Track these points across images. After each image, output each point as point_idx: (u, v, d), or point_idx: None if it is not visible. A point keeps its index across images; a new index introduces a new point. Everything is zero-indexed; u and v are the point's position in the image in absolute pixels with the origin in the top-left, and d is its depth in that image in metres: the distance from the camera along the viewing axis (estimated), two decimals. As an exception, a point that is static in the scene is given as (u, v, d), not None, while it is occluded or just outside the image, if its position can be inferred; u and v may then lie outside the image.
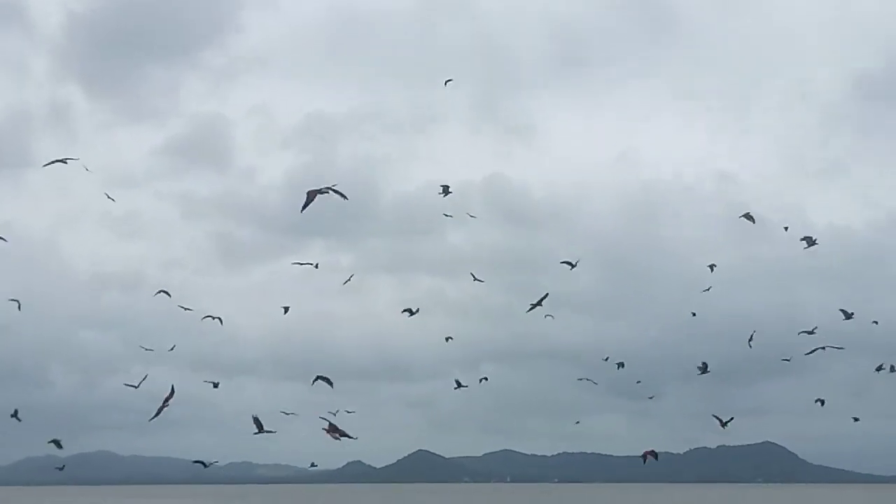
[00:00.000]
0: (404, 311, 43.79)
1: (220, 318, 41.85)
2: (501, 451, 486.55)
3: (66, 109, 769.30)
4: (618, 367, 47.42)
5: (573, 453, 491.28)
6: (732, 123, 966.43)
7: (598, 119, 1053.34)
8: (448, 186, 40.88)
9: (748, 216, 41.19)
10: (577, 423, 47.76)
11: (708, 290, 46.80)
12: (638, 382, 45.73)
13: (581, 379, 47.10)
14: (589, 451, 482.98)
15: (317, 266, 41.15)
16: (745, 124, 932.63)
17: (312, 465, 54.94)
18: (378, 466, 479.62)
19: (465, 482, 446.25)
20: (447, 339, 46.02)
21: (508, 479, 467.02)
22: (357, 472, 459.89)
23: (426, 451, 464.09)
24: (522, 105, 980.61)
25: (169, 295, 41.63)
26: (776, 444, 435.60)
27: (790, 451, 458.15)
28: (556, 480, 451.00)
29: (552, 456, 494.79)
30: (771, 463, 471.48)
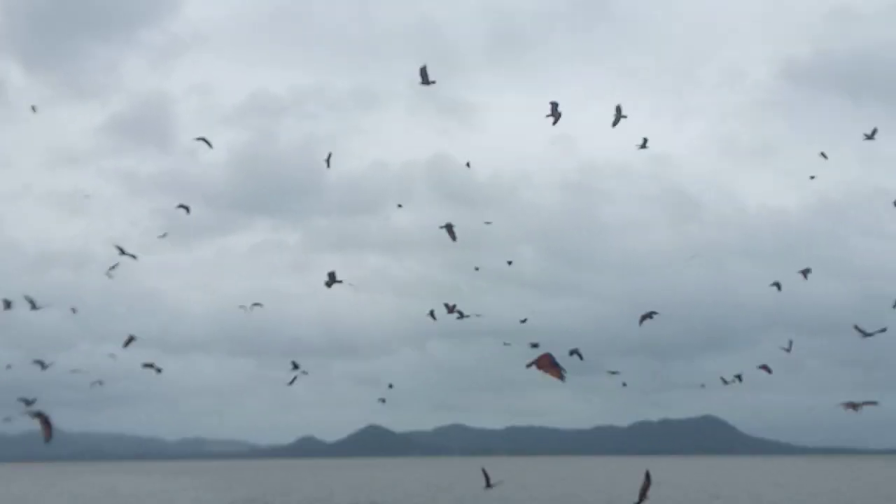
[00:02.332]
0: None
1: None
2: (451, 425, 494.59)
3: (2, 85, 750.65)
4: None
5: (521, 427, 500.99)
6: (668, 106, 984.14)
7: (537, 100, 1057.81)
8: (647, 139, 32.13)
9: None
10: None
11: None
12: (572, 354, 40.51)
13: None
14: (537, 425, 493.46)
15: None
16: (681, 107, 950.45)
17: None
18: (329, 441, 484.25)
19: (416, 456, 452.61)
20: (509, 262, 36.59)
21: (458, 453, 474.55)
22: (308, 448, 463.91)
23: (377, 425, 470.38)
24: (462, 86, 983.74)
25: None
26: (716, 418, 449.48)
27: (730, 425, 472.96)
28: (504, 454, 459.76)
29: (501, 430, 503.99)
30: (711, 436, 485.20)
